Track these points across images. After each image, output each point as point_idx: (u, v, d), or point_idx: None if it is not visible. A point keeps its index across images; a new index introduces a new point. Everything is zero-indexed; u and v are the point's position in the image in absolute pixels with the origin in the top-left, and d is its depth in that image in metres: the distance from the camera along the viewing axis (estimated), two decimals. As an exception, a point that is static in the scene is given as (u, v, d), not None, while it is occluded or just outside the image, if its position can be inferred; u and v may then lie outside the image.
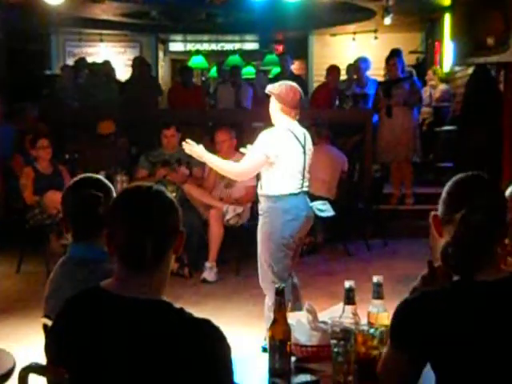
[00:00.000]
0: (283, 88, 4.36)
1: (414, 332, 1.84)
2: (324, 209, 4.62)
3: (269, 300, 4.36)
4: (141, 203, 1.76)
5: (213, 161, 4.52)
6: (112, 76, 10.48)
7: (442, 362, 1.82)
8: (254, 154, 4.31)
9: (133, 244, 1.72)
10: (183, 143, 4.53)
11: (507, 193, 2.44)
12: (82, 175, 2.65)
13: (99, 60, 11.25)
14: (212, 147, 7.68)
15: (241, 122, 8.70)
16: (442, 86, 10.41)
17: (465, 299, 1.83)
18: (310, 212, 4.45)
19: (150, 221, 1.73)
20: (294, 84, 4.45)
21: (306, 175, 4.40)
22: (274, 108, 4.38)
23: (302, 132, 4.42)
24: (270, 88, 4.41)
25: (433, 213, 1.96)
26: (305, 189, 4.39)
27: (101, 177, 2.60)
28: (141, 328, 1.68)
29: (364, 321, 2.45)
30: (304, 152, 4.37)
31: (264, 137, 4.30)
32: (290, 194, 4.29)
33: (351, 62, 9.92)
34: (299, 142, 4.34)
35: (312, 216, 4.48)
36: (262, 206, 4.38)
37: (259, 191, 4.44)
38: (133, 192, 1.82)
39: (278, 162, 4.26)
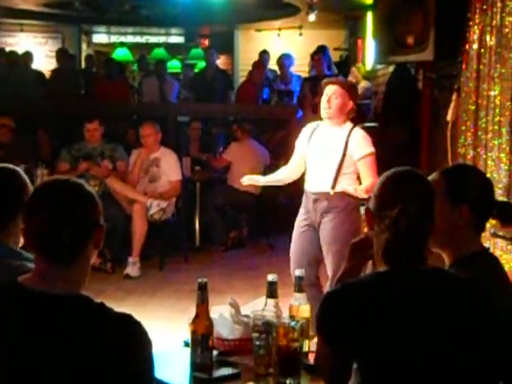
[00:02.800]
0: (354, 86, 4.57)
1: (335, 325, 1.86)
2: None
3: None
4: (57, 195, 1.73)
5: None
6: (32, 67, 10.24)
7: (363, 354, 1.83)
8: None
9: (49, 236, 1.69)
10: (242, 180, 4.59)
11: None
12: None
13: (20, 50, 10.95)
14: (137, 140, 7.63)
15: (166, 116, 8.65)
16: (364, 84, 10.59)
17: (389, 292, 1.85)
18: None
19: (65, 212, 1.70)
20: None
21: None
22: (345, 104, 4.38)
23: None
24: (343, 82, 4.56)
25: (365, 206, 2.00)
26: None
27: (18, 169, 2.47)
28: (57, 324, 1.65)
29: (286, 314, 2.49)
30: None
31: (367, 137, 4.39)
32: None
33: (276, 57, 9.99)
34: None
35: None
36: (334, 203, 4.32)
37: (324, 189, 4.36)
38: (49, 184, 1.79)
39: None
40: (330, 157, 4.35)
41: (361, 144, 4.33)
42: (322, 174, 4.39)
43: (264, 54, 9.99)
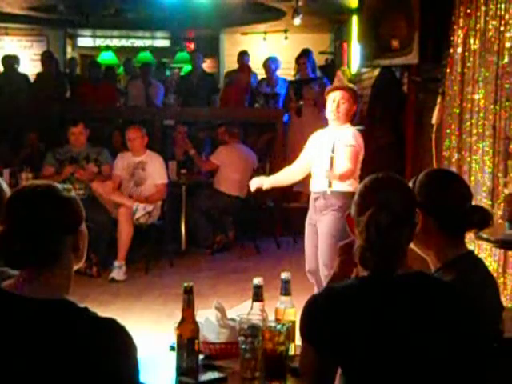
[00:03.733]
0: (356, 91, 4.73)
1: (319, 330, 1.85)
2: None
3: None
4: (29, 200, 1.74)
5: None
6: (18, 71, 10.20)
7: (346, 358, 1.83)
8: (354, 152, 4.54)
9: (16, 242, 1.69)
10: (250, 184, 4.84)
11: None
12: None
13: (4, 54, 10.90)
14: (122, 144, 7.61)
15: (152, 120, 8.63)
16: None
17: (371, 296, 1.85)
18: None
19: (36, 217, 1.71)
20: None
21: None
22: (350, 108, 4.65)
23: None
24: (349, 88, 4.69)
25: (347, 212, 2.01)
26: None
27: None
28: (41, 329, 1.64)
29: (272, 317, 2.49)
30: None
31: (356, 135, 4.60)
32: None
33: (262, 61, 10.00)
34: None
35: None
36: (331, 202, 4.54)
37: (322, 188, 4.59)
38: (20, 190, 1.80)
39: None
40: (326, 156, 4.61)
41: (349, 137, 4.60)
42: (320, 174, 4.63)
43: (244, 55, 9.98)
